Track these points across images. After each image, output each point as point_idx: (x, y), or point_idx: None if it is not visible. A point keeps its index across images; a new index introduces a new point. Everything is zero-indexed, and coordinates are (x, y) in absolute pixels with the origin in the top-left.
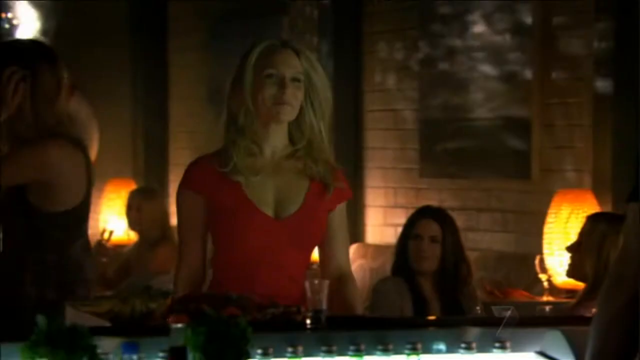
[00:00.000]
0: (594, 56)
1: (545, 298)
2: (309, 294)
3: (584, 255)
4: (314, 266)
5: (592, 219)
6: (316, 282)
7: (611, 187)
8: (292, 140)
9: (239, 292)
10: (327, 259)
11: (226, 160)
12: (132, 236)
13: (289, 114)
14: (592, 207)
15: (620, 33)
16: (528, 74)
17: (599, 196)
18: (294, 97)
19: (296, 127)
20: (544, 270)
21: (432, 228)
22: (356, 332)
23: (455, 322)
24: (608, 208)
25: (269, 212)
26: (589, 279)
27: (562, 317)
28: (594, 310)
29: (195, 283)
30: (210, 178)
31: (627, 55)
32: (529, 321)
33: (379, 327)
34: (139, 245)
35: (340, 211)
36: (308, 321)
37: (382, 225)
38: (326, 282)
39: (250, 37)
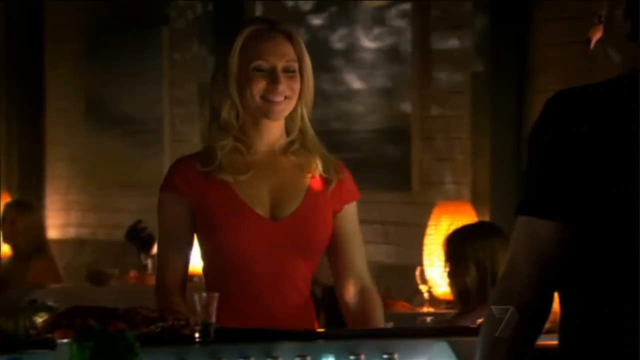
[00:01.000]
0: (472, 69)
1: (426, 309)
2: (197, 307)
3: (452, 270)
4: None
5: (454, 234)
6: (204, 294)
7: (489, 200)
8: (286, 132)
9: (240, 305)
10: (342, 272)
11: (209, 159)
12: (7, 250)
13: (284, 110)
14: (470, 218)
15: (498, 47)
16: (408, 86)
17: (477, 208)
18: (290, 89)
19: (289, 118)
20: (424, 281)
21: None
22: (245, 345)
23: (344, 335)
24: (486, 220)
25: (264, 213)
26: (460, 291)
27: (450, 328)
28: (479, 321)
29: (181, 292)
30: (194, 178)
31: (504, 71)
32: (417, 332)
33: (268, 339)
34: (13, 259)
35: (351, 214)
36: (197, 334)
37: None
38: (215, 295)
39: (129, 48)
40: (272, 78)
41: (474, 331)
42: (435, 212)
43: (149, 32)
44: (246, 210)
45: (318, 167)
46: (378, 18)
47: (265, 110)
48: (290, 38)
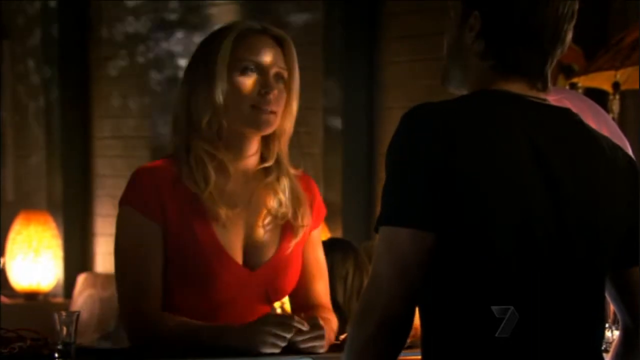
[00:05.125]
0: (323, 89)
1: None
2: (57, 326)
3: None
4: None
5: None
6: (64, 314)
7: (340, 215)
8: (261, 156)
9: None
10: (305, 307)
11: (198, 179)
12: None
13: (273, 123)
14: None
15: (349, 65)
16: None
17: (330, 225)
18: (279, 100)
19: (264, 142)
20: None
21: None
22: None
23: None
24: (339, 235)
25: (239, 259)
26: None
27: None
28: (341, 337)
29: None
30: (173, 202)
31: (354, 87)
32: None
33: (133, 359)
34: None
35: (316, 240)
36: (57, 355)
37: (111, 253)
38: (76, 314)
39: None
40: (263, 83)
41: (338, 347)
42: None
43: None
44: (224, 256)
45: (287, 211)
46: None
47: (252, 121)
48: (282, 44)
